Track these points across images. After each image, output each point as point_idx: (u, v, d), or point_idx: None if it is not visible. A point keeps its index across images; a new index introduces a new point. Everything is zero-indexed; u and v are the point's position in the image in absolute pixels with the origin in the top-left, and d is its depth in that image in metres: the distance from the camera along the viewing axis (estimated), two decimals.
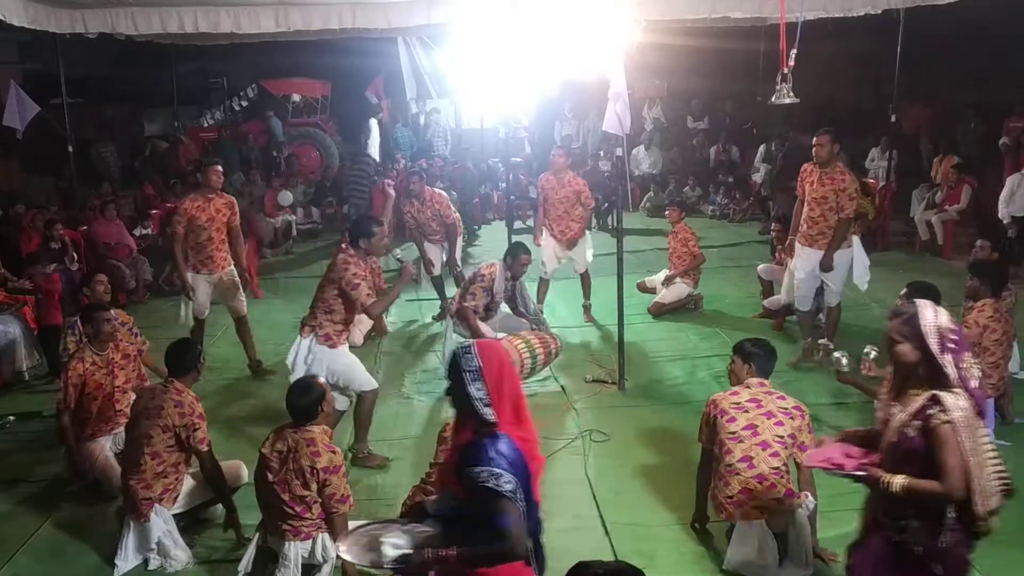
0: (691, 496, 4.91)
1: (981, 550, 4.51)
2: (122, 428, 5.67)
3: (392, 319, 9.08)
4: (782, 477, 4.38)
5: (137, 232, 10.97)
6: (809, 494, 4.42)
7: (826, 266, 7.17)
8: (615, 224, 8.76)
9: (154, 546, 4.75)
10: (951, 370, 3.08)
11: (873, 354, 5.51)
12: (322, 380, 4.72)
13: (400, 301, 8.91)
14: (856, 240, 7.53)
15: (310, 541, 4.46)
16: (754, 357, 4.67)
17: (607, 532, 4.94)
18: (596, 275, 9.01)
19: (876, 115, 14.22)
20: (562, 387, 7.15)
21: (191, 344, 5.34)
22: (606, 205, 13.52)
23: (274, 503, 4.43)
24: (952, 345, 3.09)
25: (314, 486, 4.38)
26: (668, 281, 9.04)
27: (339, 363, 5.73)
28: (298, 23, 8.35)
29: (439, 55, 15.83)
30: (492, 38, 8.86)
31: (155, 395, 4.88)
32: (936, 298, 5.32)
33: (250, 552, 4.58)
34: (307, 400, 4.47)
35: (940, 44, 14.10)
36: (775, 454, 4.37)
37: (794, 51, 5.97)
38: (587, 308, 8.93)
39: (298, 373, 5.50)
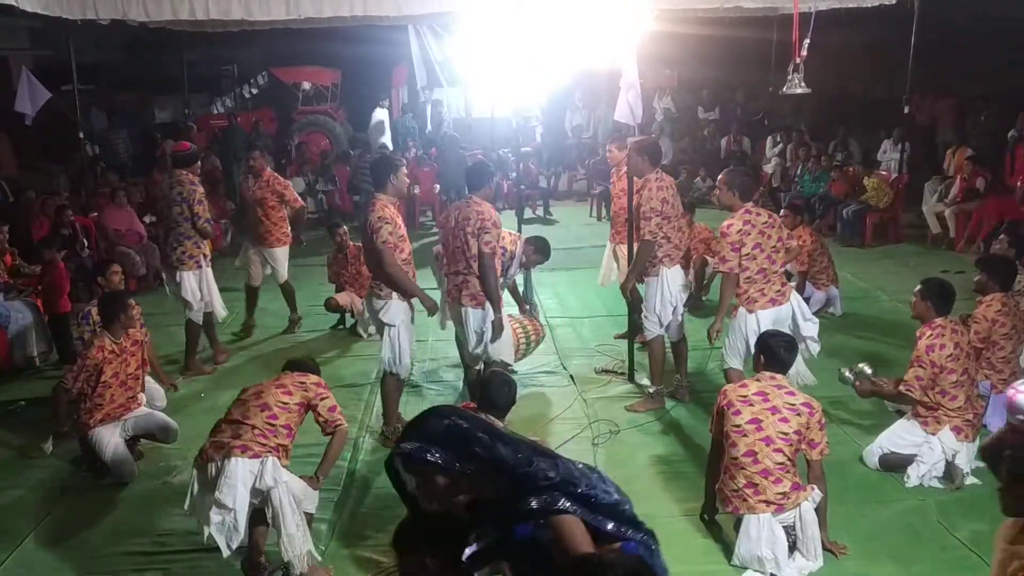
0: (700, 488, 4.90)
1: (991, 544, 4.52)
2: (132, 415, 5.70)
3: None
4: (787, 472, 4.35)
5: (147, 219, 10.99)
6: (817, 487, 4.40)
7: (622, 289, 6.52)
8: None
9: None
10: None
11: (869, 370, 5.56)
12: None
13: None
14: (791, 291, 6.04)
15: (258, 461, 4.30)
16: (769, 351, 4.59)
17: None
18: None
19: (889, 106, 14.13)
20: (571, 377, 7.15)
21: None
22: None
23: (238, 422, 4.39)
24: None
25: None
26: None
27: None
28: (309, 11, 8.33)
29: (450, 43, 15.78)
30: (503, 26, 8.82)
31: None
32: (949, 294, 5.32)
33: (192, 488, 4.48)
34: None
35: (955, 34, 14.00)
36: (779, 450, 4.32)
37: (807, 41, 5.94)
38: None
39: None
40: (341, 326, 8.67)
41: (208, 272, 7.37)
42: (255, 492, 4.31)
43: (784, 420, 4.36)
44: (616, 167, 7.77)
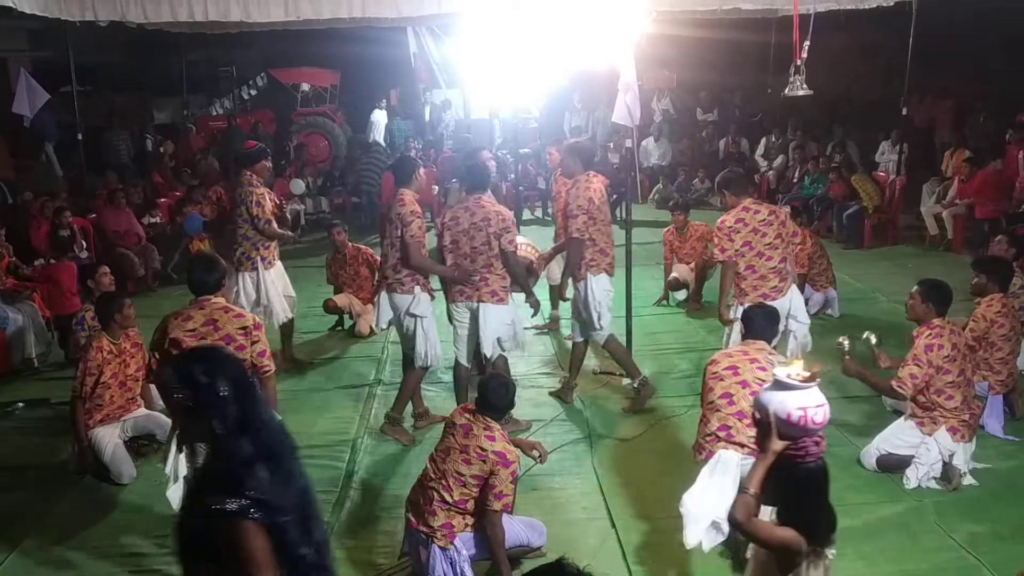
0: None
1: (988, 546, 4.55)
2: (132, 416, 5.71)
3: None
4: None
5: (146, 220, 11.00)
6: None
7: (559, 290, 6.67)
8: (624, 216, 8.72)
9: None
10: None
11: (874, 339, 5.51)
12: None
13: None
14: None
15: None
16: (748, 320, 4.73)
17: (614, 524, 4.94)
18: None
19: (887, 108, 14.16)
20: None
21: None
22: (615, 197, 13.46)
23: None
24: None
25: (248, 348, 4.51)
26: None
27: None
28: (308, 13, 8.36)
29: (449, 45, 15.79)
30: (502, 28, 8.84)
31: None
32: (947, 295, 5.33)
33: (172, 454, 4.52)
34: (211, 276, 4.70)
35: (953, 36, 14.02)
36: (755, 393, 4.32)
37: (807, 43, 5.95)
38: None
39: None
40: (339, 327, 8.67)
41: (266, 274, 7.00)
42: None
43: (762, 368, 4.39)
44: (557, 169, 7.96)
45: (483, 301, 5.86)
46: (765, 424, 2.97)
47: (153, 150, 15.59)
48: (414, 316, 5.91)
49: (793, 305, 6.06)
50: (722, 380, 4.41)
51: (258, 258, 6.95)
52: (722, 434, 4.33)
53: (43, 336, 7.89)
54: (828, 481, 3.06)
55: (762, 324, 4.68)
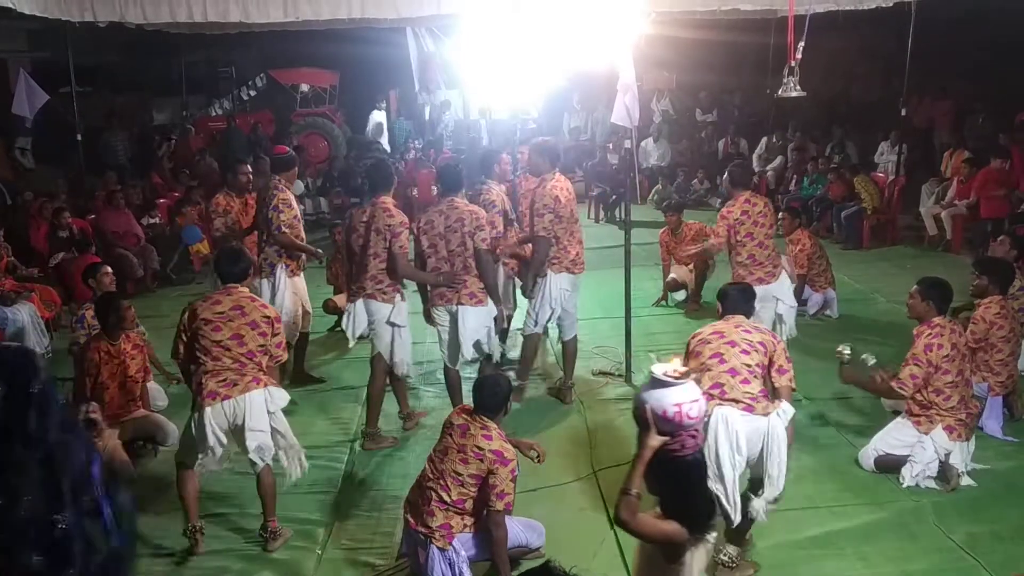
0: None
1: (987, 547, 4.55)
2: (131, 417, 5.71)
3: None
4: (756, 377, 4.36)
5: (145, 221, 11.00)
6: (785, 402, 4.39)
7: (523, 288, 6.67)
8: (623, 216, 8.73)
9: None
10: None
11: (872, 361, 5.52)
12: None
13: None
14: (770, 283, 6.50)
15: (266, 390, 4.71)
16: (723, 295, 4.78)
17: (612, 525, 4.94)
18: (604, 266, 9.00)
19: (886, 108, 14.16)
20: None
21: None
22: (614, 197, 13.50)
23: (229, 357, 4.63)
24: None
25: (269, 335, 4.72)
26: None
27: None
28: (307, 14, 8.37)
29: (448, 45, 15.80)
30: (502, 28, 8.84)
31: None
32: (948, 293, 5.33)
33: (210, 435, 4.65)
34: (238, 267, 4.84)
35: (952, 37, 14.01)
36: (745, 352, 4.37)
37: (802, 44, 5.95)
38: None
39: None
40: (339, 327, 8.65)
41: (284, 280, 6.70)
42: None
43: (748, 332, 4.47)
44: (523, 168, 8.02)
45: (462, 303, 5.85)
46: (644, 421, 3.04)
47: (165, 150, 15.55)
48: (393, 325, 5.89)
49: (783, 289, 6.57)
50: (709, 343, 4.44)
51: (281, 265, 6.68)
52: (715, 392, 4.29)
53: (41, 336, 7.88)
54: (705, 473, 3.25)
55: (736, 298, 4.74)
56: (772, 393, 4.44)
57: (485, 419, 4.27)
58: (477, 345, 5.97)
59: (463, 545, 4.22)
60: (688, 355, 4.54)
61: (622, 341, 7.15)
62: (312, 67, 18.52)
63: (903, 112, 11.98)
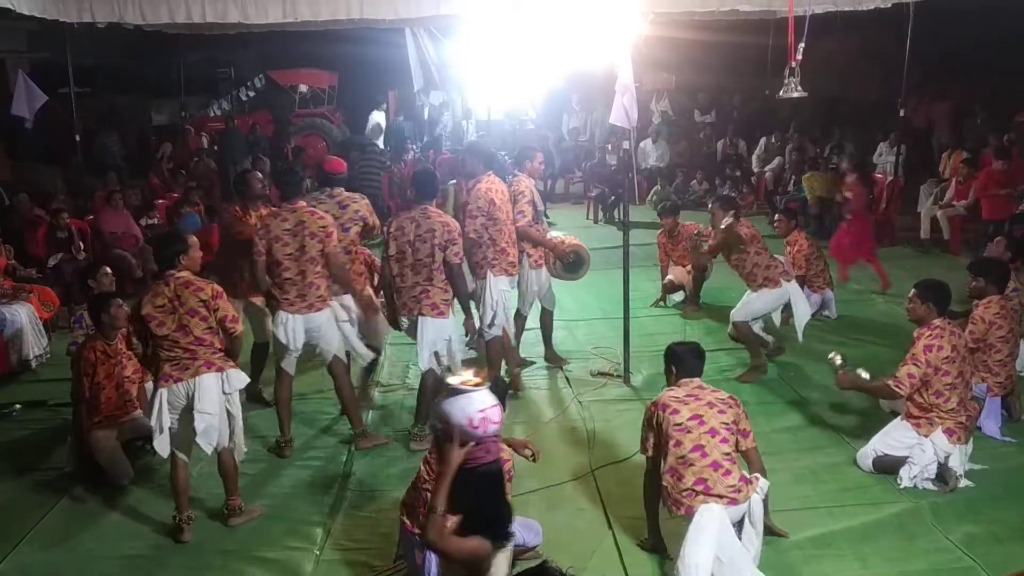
0: None
1: (985, 547, 4.55)
2: (129, 418, 5.70)
3: None
4: (734, 463, 4.33)
5: (143, 222, 10.98)
6: (760, 476, 4.41)
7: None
8: (621, 217, 8.73)
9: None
10: None
11: (839, 360, 5.53)
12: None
13: None
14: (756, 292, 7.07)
15: (222, 373, 4.85)
16: (679, 359, 4.64)
17: (610, 525, 4.95)
18: (604, 267, 9.00)
19: (885, 109, 14.17)
20: (568, 380, 7.16)
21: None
22: (612, 198, 13.51)
23: (179, 348, 4.77)
24: None
25: (211, 316, 4.80)
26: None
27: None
28: (305, 14, 8.36)
29: (447, 46, 15.81)
30: (501, 29, 8.85)
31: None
32: (946, 295, 5.33)
33: (156, 407, 4.80)
34: (168, 250, 4.88)
35: (950, 38, 14.03)
36: (724, 440, 4.32)
37: (802, 45, 5.95)
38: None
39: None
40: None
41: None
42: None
43: (722, 412, 4.39)
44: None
45: (423, 314, 5.79)
46: (448, 435, 3.07)
47: (164, 151, 15.52)
48: (340, 323, 5.91)
49: (795, 293, 7.17)
50: (689, 432, 4.32)
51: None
52: (699, 488, 4.24)
53: (39, 337, 7.87)
54: (504, 479, 3.31)
55: (692, 363, 4.62)
56: (741, 458, 4.43)
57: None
58: (435, 357, 5.88)
59: None
60: (663, 434, 4.40)
61: (620, 341, 7.15)
62: (311, 68, 18.54)
63: (902, 113, 11.99)
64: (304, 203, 5.78)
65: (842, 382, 5.57)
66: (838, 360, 5.55)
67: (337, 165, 6.47)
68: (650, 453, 4.54)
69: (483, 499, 3.09)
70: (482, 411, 3.09)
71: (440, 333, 5.84)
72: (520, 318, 7.16)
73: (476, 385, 3.16)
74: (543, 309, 7.30)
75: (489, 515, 3.07)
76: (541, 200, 7.63)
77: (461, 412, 3.08)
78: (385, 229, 5.90)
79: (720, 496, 4.24)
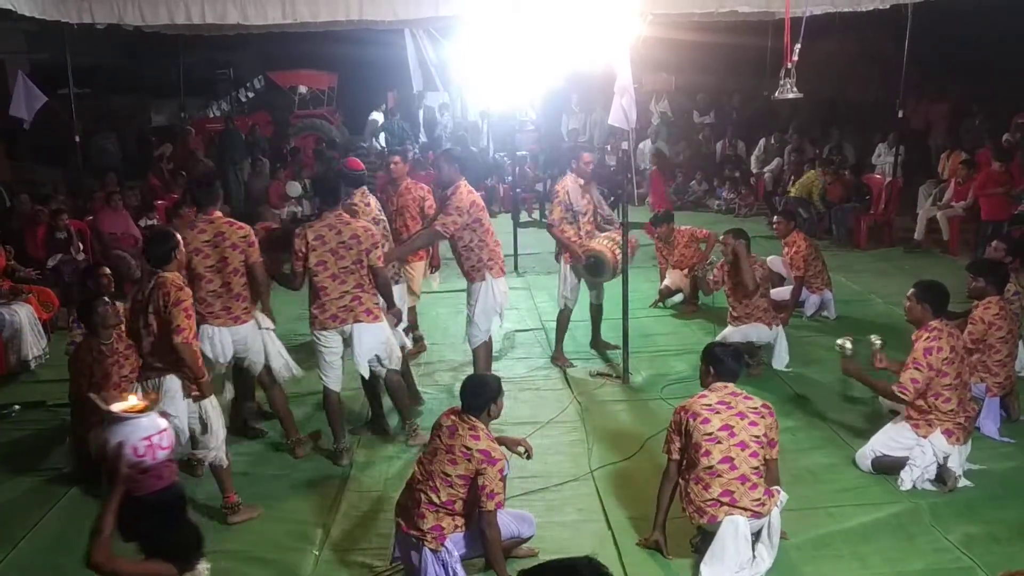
0: None
1: (984, 548, 4.56)
2: None
3: None
4: (761, 477, 4.34)
5: (143, 223, 10.98)
6: (780, 489, 4.43)
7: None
8: (621, 218, 8.73)
9: None
10: None
11: (878, 343, 5.52)
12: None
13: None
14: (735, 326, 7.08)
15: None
16: (717, 361, 4.58)
17: (610, 526, 4.95)
18: None
19: (883, 110, 14.18)
20: (567, 380, 7.16)
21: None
22: (612, 199, 13.49)
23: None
24: None
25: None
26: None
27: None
28: (305, 15, 8.37)
29: (446, 47, 15.82)
30: (500, 30, 8.85)
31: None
32: (944, 296, 5.34)
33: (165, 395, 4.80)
34: (161, 248, 4.86)
35: (949, 39, 14.04)
36: (754, 454, 4.31)
37: (798, 46, 5.97)
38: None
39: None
40: None
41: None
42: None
43: (753, 424, 4.36)
44: (397, 179, 7.58)
45: (359, 321, 5.69)
46: (113, 462, 3.01)
47: (164, 152, 15.50)
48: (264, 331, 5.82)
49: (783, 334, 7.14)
50: (720, 443, 4.32)
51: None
52: (725, 499, 4.27)
53: (39, 338, 7.87)
54: (185, 501, 3.21)
55: (731, 366, 4.55)
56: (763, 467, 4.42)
57: (473, 419, 4.28)
58: (377, 360, 5.85)
59: (455, 544, 4.22)
60: (686, 420, 4.42)
61: (619, 341, 7.15)
62: (310, 69, 18.55)
63: (900, 114, 12.00)
64: (220, 213, 5.60)
65: (848, 370, 5.58)
66: (848, 346, 5.56)
67: (354, 164, 6.68)
68: (676, 457, 4.51)
69: (159, 525, 3.04)
70: (147, 438, 3.01)
71: (378, 336, 5.79)
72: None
73: (141, 411, 3.07)
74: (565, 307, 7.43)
75: (171, 540, 3.04)
76: (603, 202, 7.62)
77: (126, 439, 3.02)
78: (298, 241, 5.60)
79: (745, 509, 4.27)
